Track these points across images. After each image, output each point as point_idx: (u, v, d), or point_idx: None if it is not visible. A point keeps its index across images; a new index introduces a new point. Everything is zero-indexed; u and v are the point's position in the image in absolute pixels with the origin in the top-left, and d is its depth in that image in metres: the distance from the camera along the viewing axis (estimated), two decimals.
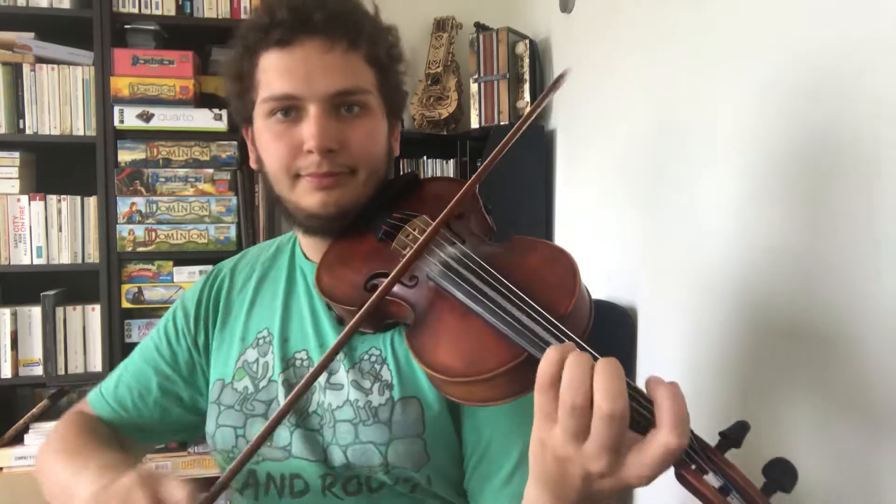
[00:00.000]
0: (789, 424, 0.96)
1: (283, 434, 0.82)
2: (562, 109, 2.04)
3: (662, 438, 0.49)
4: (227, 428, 0.85)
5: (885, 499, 0.80)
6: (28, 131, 2.07)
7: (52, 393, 2.19)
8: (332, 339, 0.84)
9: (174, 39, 2.22)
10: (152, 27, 2.15)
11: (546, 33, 2.17)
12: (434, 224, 0.73)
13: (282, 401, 0.83)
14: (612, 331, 1.47)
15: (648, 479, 0.50)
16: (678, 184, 1.29)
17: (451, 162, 2.26)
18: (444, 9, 2.37)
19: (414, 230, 0.79)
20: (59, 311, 2.11)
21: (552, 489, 0.55)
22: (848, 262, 0.85)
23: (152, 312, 2.20)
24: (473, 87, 2.19)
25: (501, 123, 2.12)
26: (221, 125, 2.15)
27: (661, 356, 1.38)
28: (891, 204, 0.79)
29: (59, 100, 2.09)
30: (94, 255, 2.12)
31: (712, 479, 0.50)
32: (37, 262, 2.09)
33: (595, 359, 0.52)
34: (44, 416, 2.13)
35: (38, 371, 2.10)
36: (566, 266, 0.66)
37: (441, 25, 2.35)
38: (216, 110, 2.15)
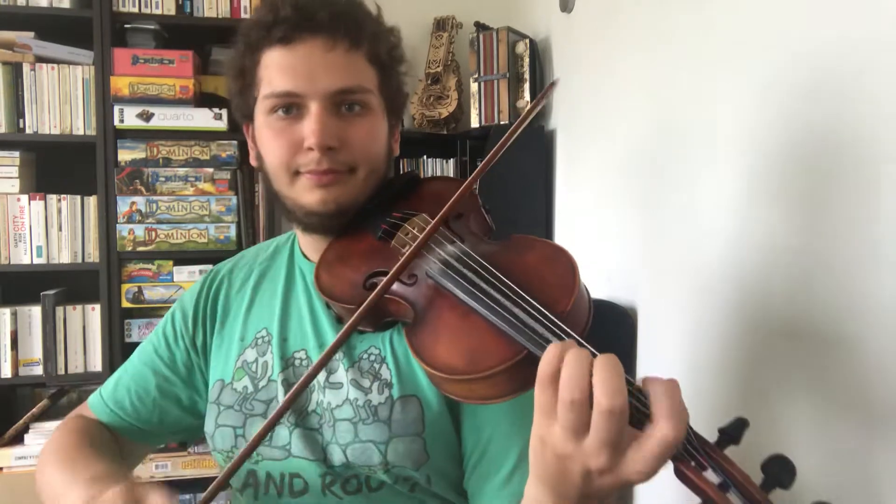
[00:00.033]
0: (789, 424, 0.96)
1: (283, 433, 0.82)
2: (562, 109, 2.04)
3: (659, 431, 0.49)
4: (227, 428, 0.86)
5: (885, 498, 0.80)
6: (28, 131, 2.08)
7: (52, 393, 2.19)
8: (331, 338, 0.84)
9: (174, 39, 2.22)
10: (152, 27, 2.15)
11: (546, 33, 2.17)
12: (433, 222, 0.73)
13: (281, 400, 0.83)
14: (612, 331, 1.46)
15: (648, 475, 0.50)
16: (678, 184, 1.29)
17: (451, 161, 2.26)
18: (444, 8, 2.37)
19: (413, 229, 0.79)
20: (59, 310, 2.11)
21: (552, 487, 0.55)
22: (847, 262, 0.85)
23: (152, 312, 2.20)
24: (473, 87, 2.19)
25: (501, 123, 2.13)
26: (221, 125, 2.15)
27: (660, 356, 1.38)
28: (890, 204, 0.79)
29: (59, 99, 2.09)
30: (94, 255, 2.12)
31: (712, 476, 0.50)
32: (37, 261, 2.09)
33: (594, 355, 0.53)
34: (44, 415, 2.13)
35: (38, 371, 2.11)
36: (565, 264, 0.66)
37: (441, 25, 2.35)
38: (216, 110, 2.15)
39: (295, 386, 0.68)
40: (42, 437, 2.07)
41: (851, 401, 0.85)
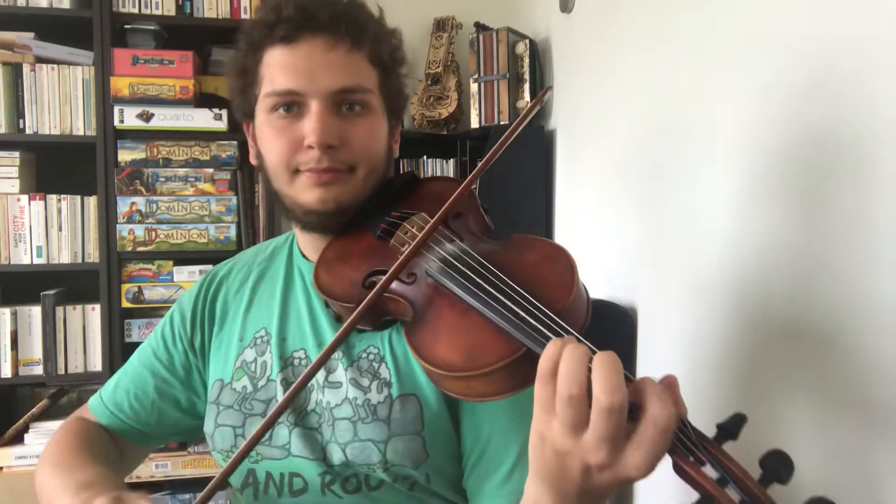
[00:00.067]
0: (788, 423, 0.96)
1: (283, 433, 0.82)
2: (562, 109, 2.04)
3: (651, 415, 0.49)
4: (227, 427, 0.86)
5: (884, 497, 0.80)
6: (28, 131, 2.08)
7: (52, 393, 2.20)
8: (330, 337, 0.84)
9: (174, 39, 2.22)
10: (152, 27, 2.15)
11: (546, 33, 2.17)
12: (433, 221, 0.73)
13: (280, 400, 0.83)
14: (612, 331, 1.46)
15: (646, 468, 0.50)
16: (678, 184, 1.29)
17: (451, 162, 2.26)
18: (444, 9, 2.37)
19: (412, 228, 0.79)
20: (59, 310, 2.11)
21: (552, 483, 0.55)
22: (847, 262, 0.85)
23: (152, 312, 2.20)
24: (473, 87, 2.19)
25: (501, 123, 2.12)
26: (221, 125, 2.15)
27: (660, 356, 1.38)
28: (890, 204, 0.79)
29: (59, 100, 2.09)
30: (94, 255, 2.12)
31: (710, 472, 0.50)
32: (37, 261, 2.09)
33: (593, 352, 0.53)
34: (44, 415, 2.13)
35: (38, 371, 2.11)
36: (564, 263, 0.67)
37: (441, 25, 2.35)
38: (216, 110, 2.15)
39: (294, 384, 0.68)
40: (42, 437, 2.07)
41: (851, 400, 0.85)
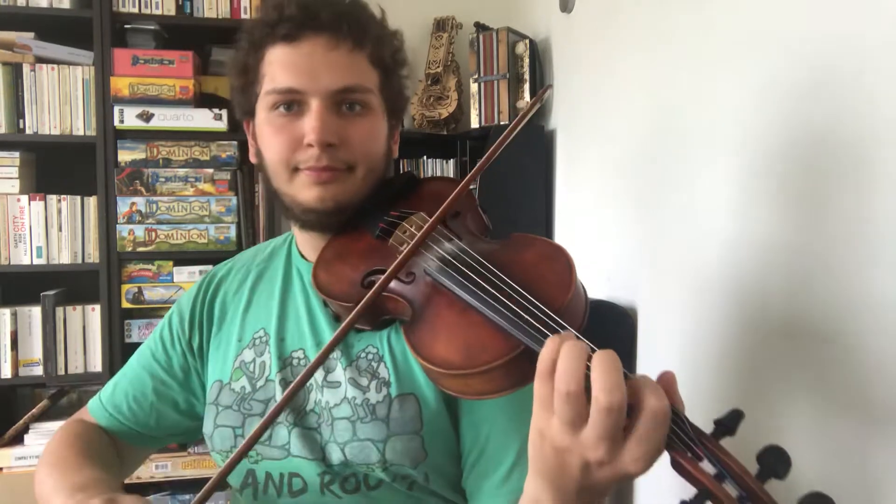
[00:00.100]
0: (788, 423, 0.96)
1: (282, 433, 0.82)
2: (562, 109, 2.04)
3: (647, 409, 0.49)
4: (226, 428, 0.86)
5: (883, 496, 0.80)
6: (28, 131, 2.08)
7: (52, 393, 2.20)
8: (329, 337, 0.84)
9: (174, 39, 2.22)
10: (152, 27, 2.15)
11: (546, 33, 2.17)
12: (431, 220, 0.73)
13: (279, 400, 0.83)
14: (611, 331, 1.46)
15: (645, 463, 0.50)
16: (678, 184, 1.29)
17: (451, 162, 2.26)
18: (444, 9, 2.38)
19: (411, 227, 0.79)
20: (59, 311, 2.11)
21: (551, 480, 0.55)
22: (846, 262, 0.85)
23: (152, 312, 2.20)
24: (473, 87, 2.19)
25: (501, 123, 2.13)
26: (221, 125, 2.15)
27: (660, 356, 1.38)
28: (890, 204, 0.79)
29: (59, 100, 2.09)
30: (94, 255, 2.12)
31: (708, 467, 0.51)
32: (37, 262, 2.09)
33: (592, 350, 0.53)
34: (44, 416, 2.13)
35: (38, 371, 2.11)
36: (563, 262, 0.67)
37: (441, 25, 2.35)
38: (216, 110, 2.15)
39: (293, 383, 0.68)
40: (42, 438, 2.07)
41: (851, 400, 0.85)
